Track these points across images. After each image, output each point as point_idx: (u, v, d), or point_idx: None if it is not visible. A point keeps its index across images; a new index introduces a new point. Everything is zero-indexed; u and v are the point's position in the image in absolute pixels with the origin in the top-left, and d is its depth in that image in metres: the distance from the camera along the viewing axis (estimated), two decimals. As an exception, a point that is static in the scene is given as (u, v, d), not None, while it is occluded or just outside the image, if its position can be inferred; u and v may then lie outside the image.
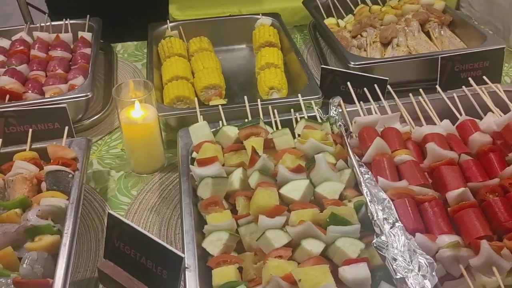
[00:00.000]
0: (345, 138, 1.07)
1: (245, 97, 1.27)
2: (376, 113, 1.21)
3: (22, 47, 1.64)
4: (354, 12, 1.88)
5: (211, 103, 1.51)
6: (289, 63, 1.69)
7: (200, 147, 1.09)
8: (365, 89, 1.27)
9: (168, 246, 0.88)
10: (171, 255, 0.87)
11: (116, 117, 1.55)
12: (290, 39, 1.72)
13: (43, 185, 1.12)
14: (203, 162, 1.04)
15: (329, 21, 1.84)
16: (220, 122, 1.24)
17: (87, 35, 1.75)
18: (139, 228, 0.92)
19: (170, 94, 1.47)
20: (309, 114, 1.26)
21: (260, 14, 1.88)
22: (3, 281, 0.91)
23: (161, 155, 1.33)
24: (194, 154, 1.16)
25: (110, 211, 0.95)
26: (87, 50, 1.68)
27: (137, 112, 1.23)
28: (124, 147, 1.36)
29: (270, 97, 1.51)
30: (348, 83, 1.29)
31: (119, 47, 1.98)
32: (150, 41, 1.74)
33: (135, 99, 1.20)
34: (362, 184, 0.95)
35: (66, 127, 1.24)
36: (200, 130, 1.14)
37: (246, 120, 1.23)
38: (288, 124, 1.23)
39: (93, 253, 1.11)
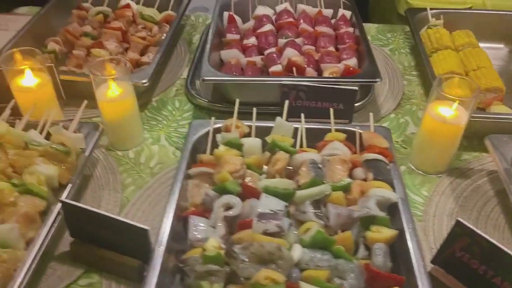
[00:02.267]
0: None
1: None
2: None
3: (290, 19, 1.64)
4: None
5: (493, 109, 1.39)
6: None
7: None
8: None
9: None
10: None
11: (377, 107, 1.50)
12: None
13: (357, 171, 1.10)
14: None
15: None
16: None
17: (347, 13, 1.71)
18: (501, 246, 0.86)
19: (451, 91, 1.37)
20: None
21: (532, 13, 1.69)
22: (350, 264, 0.90)
23: (451, 157, 1.25)
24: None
25: (460, 219, 0.90)
26: (350, 29, 1.63)
27: (448, 111, 1.15)
28: (415, 140, 1.29)
29: None
30: None
31: (358, 27, 1.92)
32: (415, 29, 1.65)
33: (457, 98, 1.12)
34: None
35: (371, 114, 1.21)
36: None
37: None
38: None
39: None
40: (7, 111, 1.20)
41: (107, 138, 1.34)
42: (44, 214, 0.99)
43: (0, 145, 1.07)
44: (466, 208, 1.16)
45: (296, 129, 1.19)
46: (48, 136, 1.15)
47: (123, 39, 1.66)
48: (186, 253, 0.94)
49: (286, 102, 1.22)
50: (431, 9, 1.73)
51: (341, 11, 1.71)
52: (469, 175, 1.25)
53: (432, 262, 0.96)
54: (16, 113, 1.25)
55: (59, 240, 1.07)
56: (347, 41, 1.57)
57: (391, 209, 1.02)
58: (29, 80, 1.27)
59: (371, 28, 1.91)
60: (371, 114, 1.21)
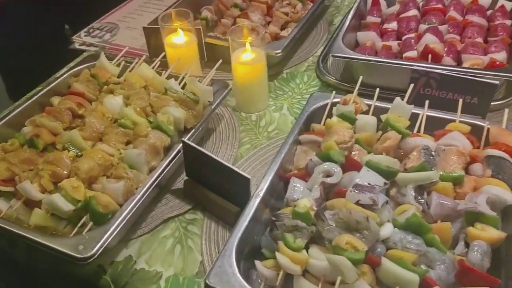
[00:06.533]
0: None
1: None
2: None
3: (439, 5, 1.55)
4: None
5: None
6: None
7: None
8: None
9: None
10: None
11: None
12: None
13: (475, 166, 1.02)
14: None
15: None
16: None
17: (508, 4, 1.54)
18: None
19: None
20: None
21: None
22: (442, 255, 0.85)
23: None
24: None
25: None
26: (507, 22, 1.47)
27: None
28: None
29: None
30: None
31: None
32: None
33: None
34: None
35: (506, 110, 1.10)
36: None
37: None
38: None
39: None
40: (157, 62, 1.39)
41: (235, 100, 1.45)
42: (167, 150, 1.14)
43: (145, 88, 1.25)
44: None
45: (417, 115, 1.14)
46: (184, 87, 1.29)
47: (267, 13, 1.76)
48: (281, 210, 0.99)
49: (411, 86, 1.17)
50: None
51: (501, 1, 1.55)
52: None
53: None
54: (164, 66, 1.43)
55: (177, 178, 1.22)
56: (500, 33, 1.42)
57: (507, 213, 0.93)
58: (179, 38, 1.45)
59: (537, 25, 1.69)
60: (506, 110, 1.09)
